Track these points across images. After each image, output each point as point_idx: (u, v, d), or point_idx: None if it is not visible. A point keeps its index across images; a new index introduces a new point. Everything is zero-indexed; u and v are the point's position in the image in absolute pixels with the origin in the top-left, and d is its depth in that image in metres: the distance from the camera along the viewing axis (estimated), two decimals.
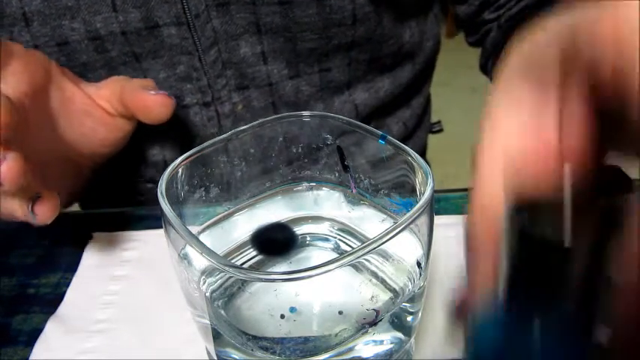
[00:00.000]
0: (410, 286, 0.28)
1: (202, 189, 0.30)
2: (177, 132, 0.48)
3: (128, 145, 0.42)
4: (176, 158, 0.28)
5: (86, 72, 0.43)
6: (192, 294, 0.27)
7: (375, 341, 0.27)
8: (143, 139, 0.47)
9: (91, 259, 0.40)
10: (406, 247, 0.26)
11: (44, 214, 0.31)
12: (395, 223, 0.24)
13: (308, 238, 0.34)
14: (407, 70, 0.54)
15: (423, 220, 0.25)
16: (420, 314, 0.29)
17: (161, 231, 0.26)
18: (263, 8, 0.42)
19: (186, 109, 0.47)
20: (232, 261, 0.31)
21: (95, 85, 0.39)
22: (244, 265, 0.31)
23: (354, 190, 0.33)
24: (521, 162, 0.18)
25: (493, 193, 0.18)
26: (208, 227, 0.31)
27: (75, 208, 0.56)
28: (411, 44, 0.53)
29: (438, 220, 0.28)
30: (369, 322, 0.26)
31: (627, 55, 0.15)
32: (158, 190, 0.26)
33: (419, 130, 0.61)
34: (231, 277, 0.29)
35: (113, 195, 0.54)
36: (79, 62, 0.43)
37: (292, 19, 0.43)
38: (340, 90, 0.50)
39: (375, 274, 0.30)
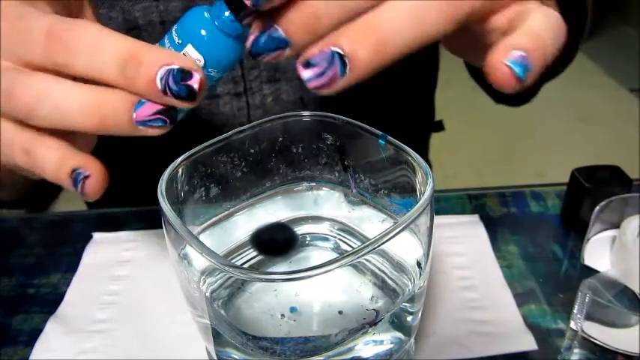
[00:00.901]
0: (410, 286, 0.28)
1: (202, 189, 0.30)
2: (205, 121, 0.48)
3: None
4: None
5: None
6: (192, 294, 0.27)
7: (375, 341, 0.27)
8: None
9: (91, 259, 0.40)
10: (406, 247, 0.26)
11: (92, 188, 0.25)
12: (395, 223, 0.24)
13: (308, 238, 0.34)
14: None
15: (423, 220, 0.25)
16: (420, 314, 0.29)
17: (161, 231, 0.26)
18: None
19: (217, 99, 0.47)
20: (232, 261, 0.31)
21: None
22: (244, 265, 0.31)
23: (354, 190, 0.33)
24: None
25: None
26: (208, 227, 0.31)
27: (75, 208, 0.56)
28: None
29: (438, 220, 0.28)
30: (369, 322, 0.26)
31: None
32: (158, 190, 0.26)
33: (421, 130, 0.60)
34: (231, 277, 0.29)
35: (134, 185, 0.53)
36: None
37: None
38: (365, 93, 0.50)
39: (375, 274, 0.30)
